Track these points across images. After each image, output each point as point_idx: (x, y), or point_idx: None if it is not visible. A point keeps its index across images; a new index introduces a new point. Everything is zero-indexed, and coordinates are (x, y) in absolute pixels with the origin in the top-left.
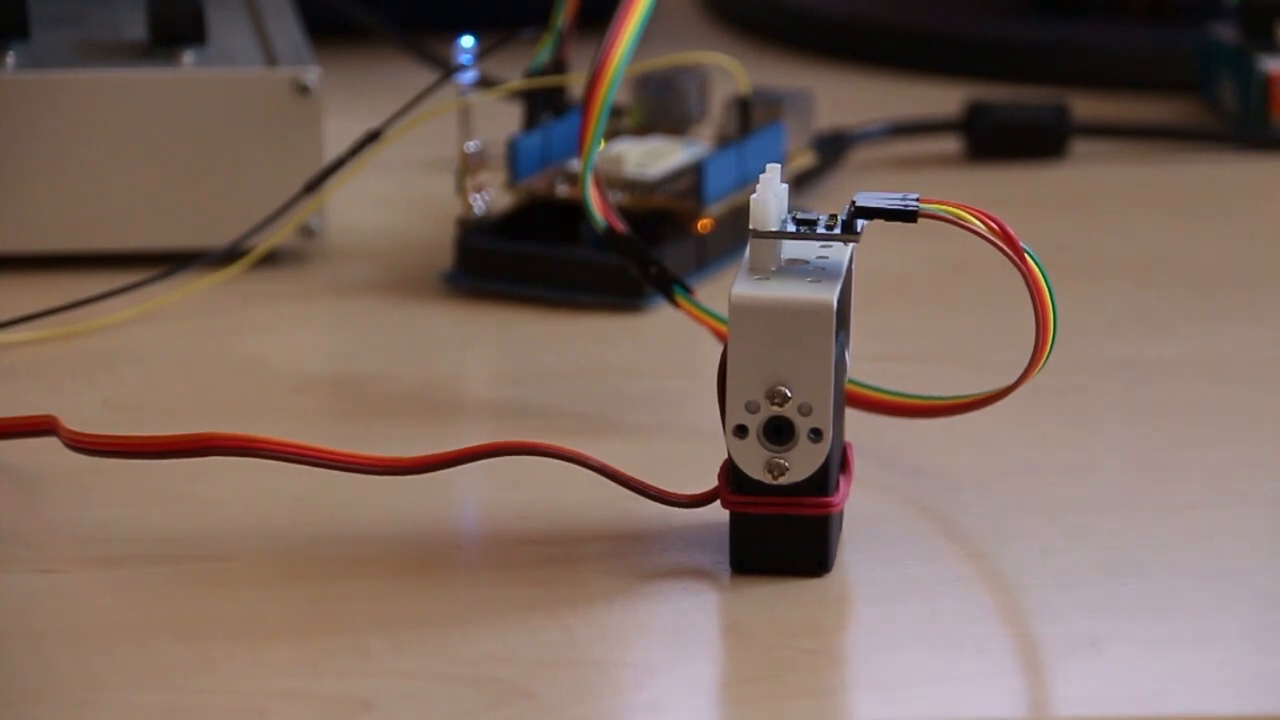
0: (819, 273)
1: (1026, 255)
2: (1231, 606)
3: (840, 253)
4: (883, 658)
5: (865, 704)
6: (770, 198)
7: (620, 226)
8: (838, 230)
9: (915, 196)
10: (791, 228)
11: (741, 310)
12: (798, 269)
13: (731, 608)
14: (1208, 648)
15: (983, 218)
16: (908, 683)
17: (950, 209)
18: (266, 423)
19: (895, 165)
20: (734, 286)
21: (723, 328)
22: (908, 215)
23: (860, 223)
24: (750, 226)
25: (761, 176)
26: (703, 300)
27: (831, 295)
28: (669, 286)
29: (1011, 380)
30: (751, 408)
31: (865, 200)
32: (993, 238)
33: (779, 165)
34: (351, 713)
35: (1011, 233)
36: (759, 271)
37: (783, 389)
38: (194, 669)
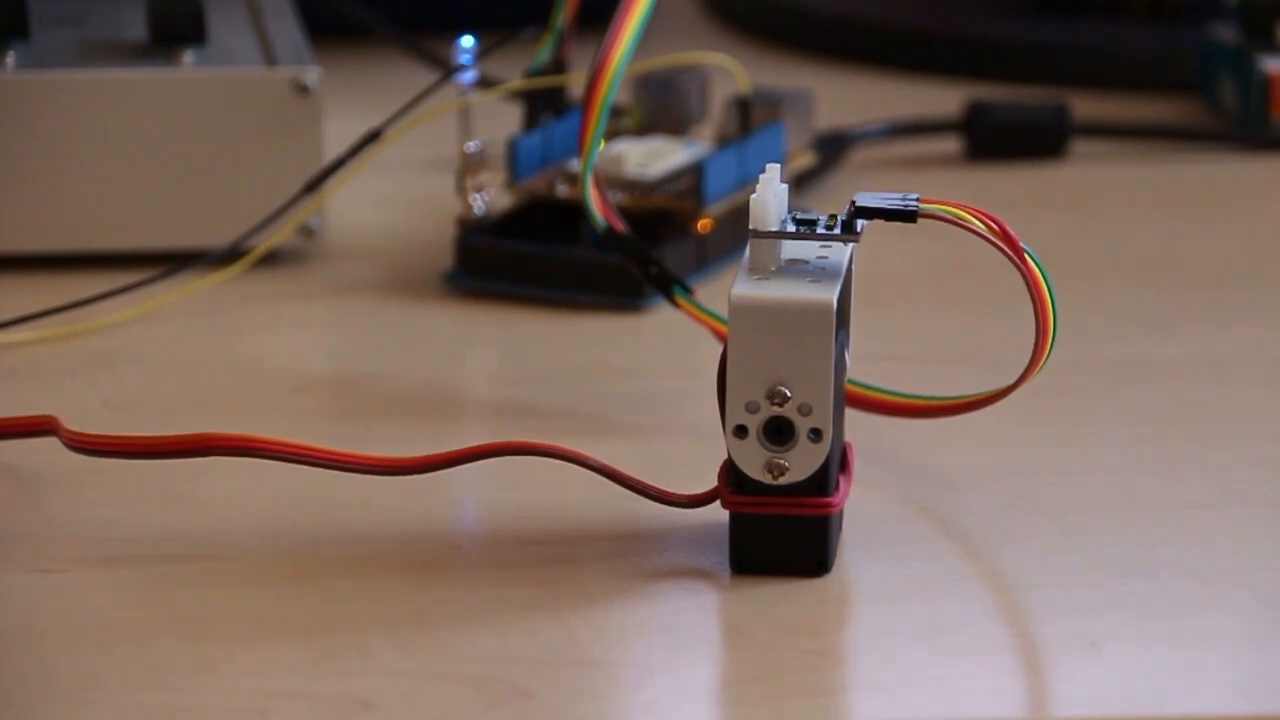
0: (819, 273)
1: (1026, 255)
2: (1231, 606)
3: (840, 253)
4: (883, 658)
5: (865, 704)
6: (770, 198)
7: (620, 226)
8: (838, 230)
9: (915, 196)
10: (791, 228)
11: (741, 310)
12: (798, 269)
13: (731, 608)
14: (1208, 648)
15: (983, 218)
16: (908, 683)
17: (950, 209)
18: (266, 423)
19: (895, 165)
20: (734, 286)
21: (723, 328)
22: (908, 215)
23: (860, 223)
24: (750, 226)
25: (761, 176)
26: (703, 300)
27: (831, 295)
28: (669, 286)
29: (1011, 380)
30: (751, 408)
31: (865, 200)
32: (993, 238)
33: (779, 165)
34: (351, 713)
35: (1011, 233)
36: (759, 271)
37: (783, 389)
38: (194, 669)
